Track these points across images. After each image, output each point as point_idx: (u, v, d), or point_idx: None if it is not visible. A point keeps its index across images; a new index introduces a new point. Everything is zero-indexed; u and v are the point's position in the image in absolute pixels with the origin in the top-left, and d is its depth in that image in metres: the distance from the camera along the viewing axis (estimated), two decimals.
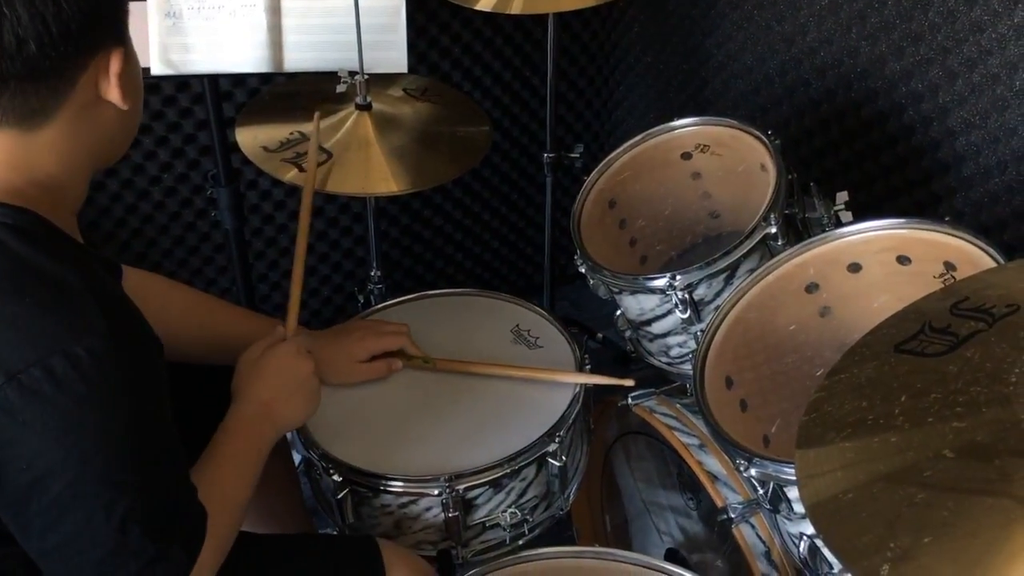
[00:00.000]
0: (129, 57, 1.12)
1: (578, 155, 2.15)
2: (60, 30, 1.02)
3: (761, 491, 1.25)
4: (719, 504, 1.45)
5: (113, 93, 1.10)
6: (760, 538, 1.44)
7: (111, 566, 1.06)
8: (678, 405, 1.62)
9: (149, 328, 1.11)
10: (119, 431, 1.05)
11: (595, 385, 1.60)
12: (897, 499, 0.86)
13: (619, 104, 2.68)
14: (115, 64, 1.09)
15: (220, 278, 2.50)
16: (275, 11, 1.80)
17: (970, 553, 0.79)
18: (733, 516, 1.42)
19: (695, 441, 1.53)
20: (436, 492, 1.45)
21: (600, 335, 2.59)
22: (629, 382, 1.57)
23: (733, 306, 1.42)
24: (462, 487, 1.45)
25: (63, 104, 1.08)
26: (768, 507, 1.26)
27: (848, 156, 1.98)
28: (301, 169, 1.71)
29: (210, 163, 2.30)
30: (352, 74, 1.77)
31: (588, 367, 1.62)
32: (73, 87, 1.07)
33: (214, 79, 1.96)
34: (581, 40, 2.58)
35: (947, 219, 1.33)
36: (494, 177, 2.65)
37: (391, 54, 1.84)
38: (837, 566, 1.27)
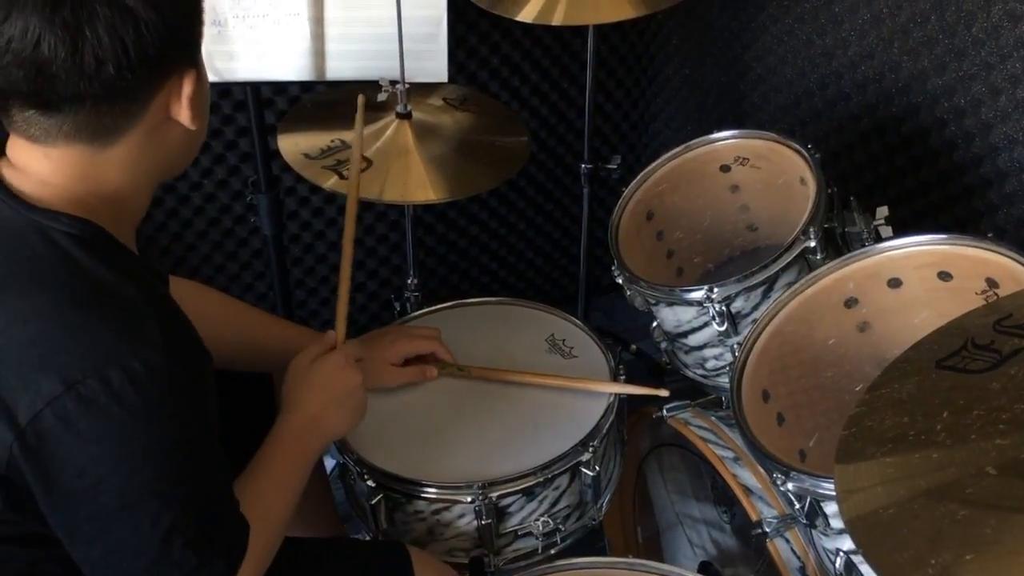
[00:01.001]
0: (201, 79, 1.14)
1: (615, 166, 2.15)
2: (139, 54, 1.04)
3: (798, 505, 1.24)
4: (754, 518, 1.45)
5: (184, 115, 1.12)
6: (795, 553, 1.43)
7: (154, 575, 1.07)
8: (713, 418, 1.62)
9: (201, 342, 1.13)
10: (169, 444, 1.07)
11: (629, 395, 1.60)
12: (939, 515, 0.85)
13: (656, 116, 2.68)
14: (188, 87, 1.11)
15: (257, 283, 2.52)
16: (318, 21, 1.82)
17: (1012, 572, 0.78)
18: (768, 530, 1.41)
19: (730, 454, 1.52)
20: (469, 499, 1.45)
21: (634, 347, 2.59)
22: (664, 392, 1.57)
23: (771, 319, 1.41)
24: (495, 495, 1.46)
25: (135, 124, 1.09)
26: (804, 522, 1.26)
27: (888, 171, 1.97)
28: (342, 176, 1.72)
29: (250, 169, 2.32)
30: (393, 83, 1.79)
31: (622, 377, 1.62)
32: (146, 108, 1.09)
33: (256, 86, 1.98)
34: (619, 52, 2.59)
35: (990, 235, 1.32)
36: (530, 187, 2.65)
37: (432, 64, 1.85)
38: None
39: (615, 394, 1.57)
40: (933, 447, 0.93)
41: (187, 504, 1.08)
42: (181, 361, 1.07)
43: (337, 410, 1.41)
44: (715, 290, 1.51)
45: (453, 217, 2.59)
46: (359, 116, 1.69)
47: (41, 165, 1.09)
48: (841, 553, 1.27)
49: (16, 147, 1.11)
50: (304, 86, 2.24)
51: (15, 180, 1.10)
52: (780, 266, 1.49)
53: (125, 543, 1.06)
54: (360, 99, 1.72)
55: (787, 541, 1.43)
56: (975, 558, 0.80)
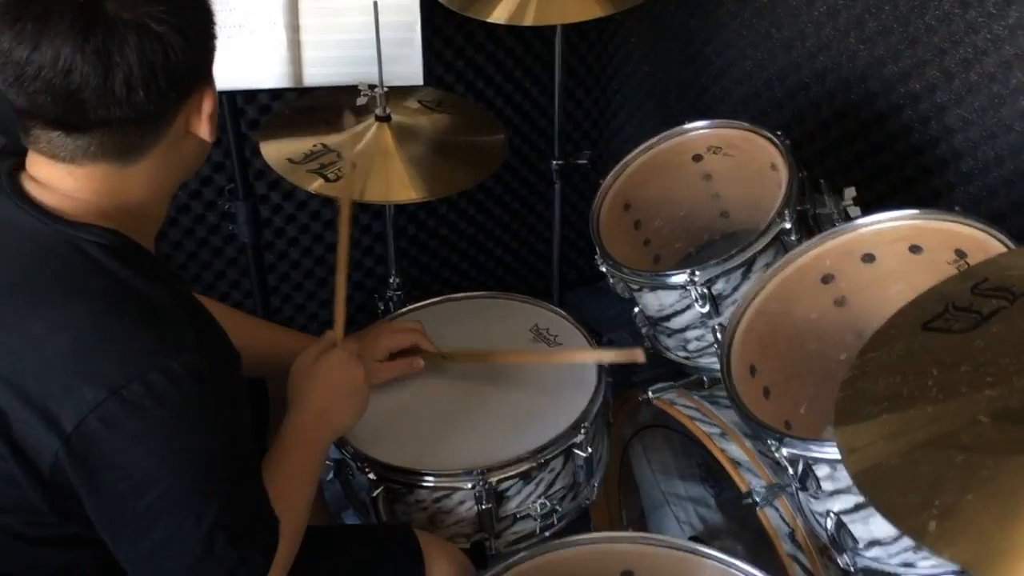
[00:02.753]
0: (215, 94, 1.18)
1: (585, 161, 2.21)
2: (166, 78, 1.07)
3: (791, 471, 1.30)
4: (743, 489, 1.51)
5: (204, 130, 1.17)
6: (784, 520, 1.49)
7: (198, 571, 1.11)
8: (696, 397, 1.68)
9: (229, 341, 1.16)
10: (211, 443, 1.10)
11: (609, 363, 1.64)
12: (938, 462, 0.92)
13: (619, 112, 2.75)
14: (207, 104, 1.16)
15: (233, 292, 2.54)
16: (294, 28, 1.86)
17: (1011, 506, 0.84)
18: (758, 500, 1.47)
19: (716, 430, 1.59)
20: (470, 485, 1.50)
21: (607, 339, 2.66)
22: (640, 356, 1.58)
23: (754, 298, 1.48)
24: (494, 480, 1.50)
25: (160, 141, 1.13)
26: (797, 486, 1.32)
27: (849, 156, 2.05)
28: (327, 179, 1.76)
29: (223, 179, 2.35)
30: (372, 87, 1.83)
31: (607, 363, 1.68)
32: (170, 126, 1.13)
33: (232, 96, 2.00)
34: (579, 52, 2.65)
35: (957, 208, 1.40)
36: (497, 186, 2.71)
37: (407, 67, 1.89)
38: (862, 540, 1.34)
39: (603, 375, 1.62)
40: (927, 402, 0.99)
41: (229, 501, 1.12)
42: (216, 360, 1.10)
43: (343, 404, 1.46)
44: (697, 273, 1.57)
45: (429, 217, 2.64)
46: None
47: (65, 182, 1.12)
48: (831, 514, 1.34)
49: (38, 164, 1.13)
50: (274, 93, 2.28)
51: (40, 195, 1.13)
52: (758, 248, 1.56)
53: (170, 541, 1.09)
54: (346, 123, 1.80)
55: (776, 509, 1.50)
56: (975, 497, 0.87)
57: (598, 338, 2.62)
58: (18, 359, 1.07)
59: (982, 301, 1.09)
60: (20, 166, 1.17)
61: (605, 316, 2.75)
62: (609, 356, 1.63)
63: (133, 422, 1.04)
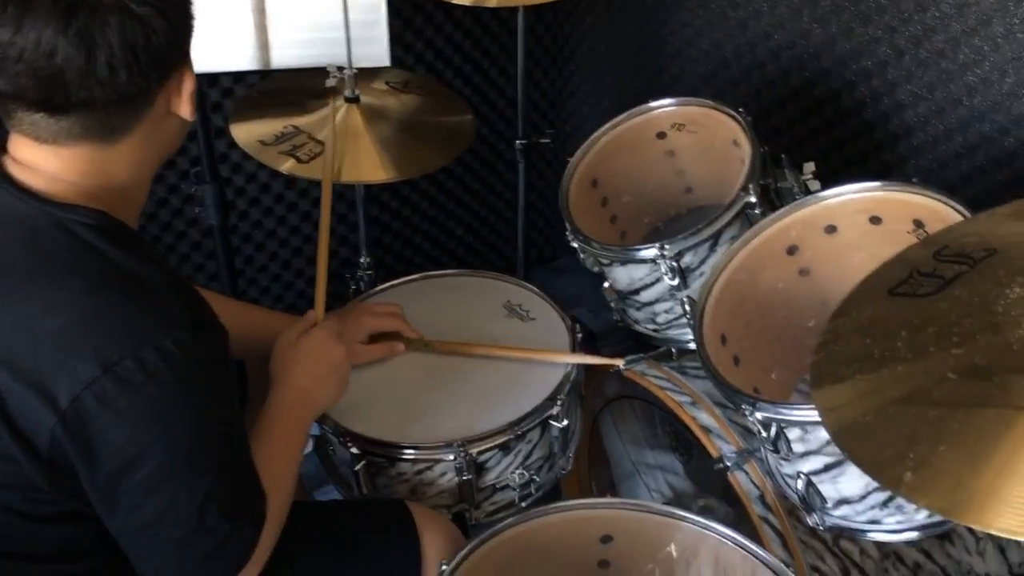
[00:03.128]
0: (193, 73, 1.19)
1: (548, 140, 2.25)
2: (147, 58, 1.09)
3: (764, 434, 1.36)
4: (715, 455, 1.56)
5: (184, 108, 1.18)
6: (754, 483, 1.55)
7: (190, 543, 1.14)
8: (666, 367, 1.73)
9: (217, 318, 1.18)
10: (203, 417, 1.13)
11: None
12: (911, 417, 0.98)
13: (576, 92, 2.79)
14: (187, 84, 1.17)
15: (197, 275, 2.55)
16: (260, 11, 1.87)
17: (980, 455, 0.91)
18: (728, 464, 1.53)
19: (687, 399, 1.64)
20: (451, 457, 1.54)
21: (570, 315, 2.71)
22: (619, 362, 1.69)
23: (723, 269, 1.53)
24: (474, 451, 1.54)
25: (141, 121, 1.15)
26: (769, 448, 1.38)
27: (804, 132, 2.12)
28: (299, 160, 1.78)
29: (185, 162, 2.35)
30: (340, 69, 1.85)
31: (580, 335, 1.72)
32: (151, 106, 1.15)
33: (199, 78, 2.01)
34: (536, 33, 2.69)
35: (915, 180, 1.47)
36: (459, 168, 2.74)
37: (374, 49, 1.91)
38: (831, 500, 1.40)
39: (576, 363, 1.67)
40: (897, 362, 1.05)
41: (220, 474, 1.15)
42: (206, 337, 1.13)
43: (325, 381, 1.49)
44: (666, 247, 1.62)
45: (392, 198, 2.67)
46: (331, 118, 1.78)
47: (50, 164, 1.13)
48: (801, 475, 1.40)
49: (21, 145, 1.14)
50: (236, 76, 2.28)
51: (26, 177, 1.14)
52: (724, 221, 1.61)
53: (164, 513, 1.11)
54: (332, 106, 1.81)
55: (746, 473, 1.56)
56: (947, 448, 0.93)
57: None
58: (12, 338, 1.09)
59: (944, 266, 1.15)
60: (2, 149, 1.18)
61: (565, 294, 2.79)
62: (589, 360, 1.69)
63: (126, 398, 1.07)
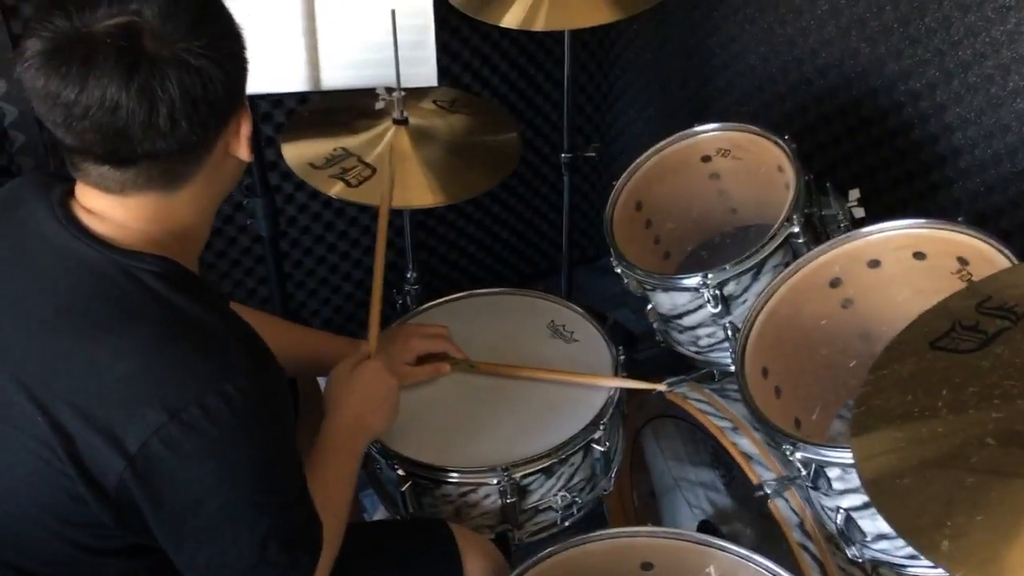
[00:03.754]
0: (249, 115, 1.22)
1: (594, 153, 2.27)
2: (207, 109, 1.12)
3: (804, 472, 1.38)
4: (755, 481, 1.58)
5: (243, 151, 1.22)
6: (793, 511, 1.57)
7: (252, 575, 1.18)
8: (707, 390, 1.75)
9: (274, 358, 1.22)
10: (264, 458, 1.17)
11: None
12: (949, 483, 0.99)
13: (624, 108, 2.79)
14: (245, 126, 1.20)
15: (247, 279, 2.60)
16: (311, 33, 1.89)
17: (1017, 528, 0.92)
18: (769, 492, 1.55)
19: (728, 424, 1.66)
20: (494, 481, 1.56)
21: (611, 318, 2.73)
22: (662, 387, 1.71)
23: (766, 302, 1.55)
24: (518, 475, 1.57)
25: (202, 167, 1.18)
26: (809, 485, 1.40)
27: (849, 150, 2.11)
28: (348, 184, 1.81)
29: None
30: (389, 90, 1.88)
31: (622, 357, 1.74)
32: (211, 152, 1.18)
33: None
34: (587, 46, 2.70)
35: (960, 219, 1.47)
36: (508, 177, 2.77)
37: (422, 69, 1.93)
38: (870, 534, 1.42)
39: (618, 387, 1.69)
40: (937, 421, 1.07)
41: (280, 510, 1.19)
42: (265, 380, 1.17)
43: (377, 410, 1.54)
44: (709, 276, 1.64)
45: (442, 212, 2.70)
46: (387, 159, 1.81)
47: (117, 212, 1.17)
48: (841, 509, 1.42)
49: (89, 195, 1.18)
50: (300, 97, 2.32)
51: (94, 224, 1.18)
52: (768, 251, 1.62)
53: (227, 550, 1.16)
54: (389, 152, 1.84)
55: (786, 500, 1.58)
56: (984, 519, 0.95)
57: (602, 320, 2.72)
58: (82, 384, 1.13)
59: (987, 321, 1.16)
60: (70, 194, 1.22)
61: (610, 293, 2.82)
62: (632, 384, 1.70)
63: (192, 443, 1.11)
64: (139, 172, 1.14)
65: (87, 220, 1.19)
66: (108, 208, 1.18)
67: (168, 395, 1.10)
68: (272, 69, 1.89)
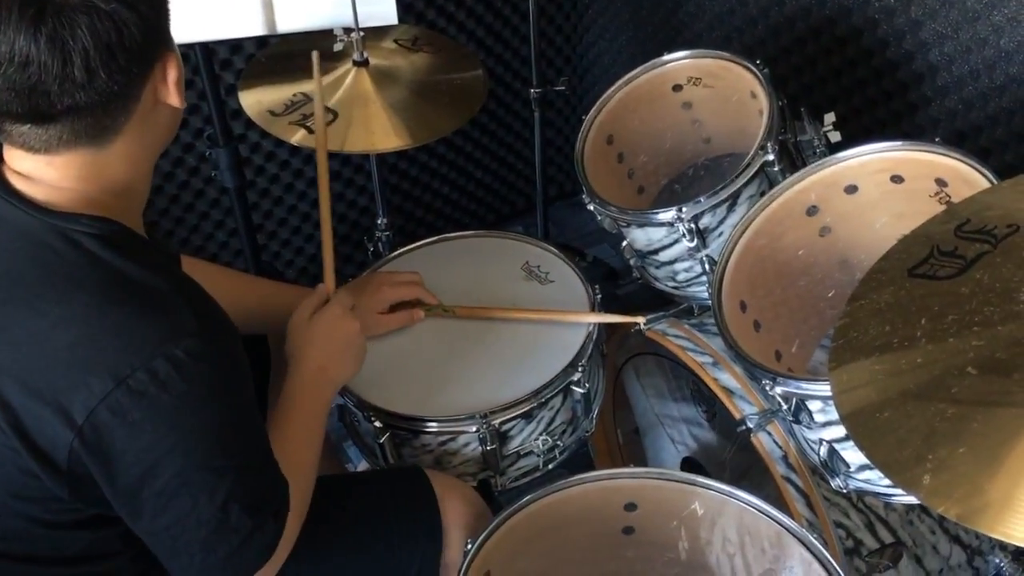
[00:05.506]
0: (177, 57, 1.16)
1: (563, 87, 2.21)
2: (125, 55, 1.06)
3: (785, 406, 1.36)
4: (737, 416, 1.56)
5: (173, 97, 1.16)
6: (777, 443, 1.56)
7: (215, 542, 1.15)
8: (687, 326, 1.73)
9: (227, 316, 1.18)
10: (218, 421, 1.13)
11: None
12: (930, 415, 0.97)
13: (588, 29, 2.72)
14: (172, 71, 1.14)
15: (218, 232, 2.55)
16: None
17: (1001, 459, 0.90)
18: (751, 426, 1.53)
19: (708, 359, 1.63)
20: (473, 429, 1.54)
21: (590, 256, 2.70)
22: (640, 319, 1.68)
23: (742, 234, 1.51)
24: (497, 421, 1.55)
25: (131, 117, 1.12)
26: (791, 418, 1.38)
27: (825, 71, 2.06)
28: (309, 130, 1.76)
29: (199, 120, 2.34)
30: (347, 31, 1.81)
31: (599, 296, 1.71)
32: (138, 101, 1.12)
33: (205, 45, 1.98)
34: None
35: (937, 140, 1.43)
36: (478, 114, 2.71)
37: (380, 7, 1.86)
38: (854, 465, 1.40)
39: (596, 323, 1.66)
40: (916, 351, 1.04)
41: (240, 473, 1.15)
42: (216, 340, 1.13)
43: (341, 358, 1.49)
44: (684, 209, 1.59)
45: (412, 153, 2.64)
46: (316, 74, 1.72)
47: (46, 173, 1.12)
48: (824, 442, 1.40)
49: (16, 157, 1.13)
50: (259, 42, 2.24)
51: (26, 188, 1.13)
52: (742, 182, 1.58)
53: (187, 516, 1.13)
54: (314, 55, 1.75)
55: (769, 434, 1.56)
56: (967, 451, 0.92)
57: (581, 256, 2.68)
58: (24, 355, 1.09)
59: (966, 245, 1.13)
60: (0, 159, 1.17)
61: (588, 229, 2.79)
62: (609, 319, 1.67)
63: (141, 409, 1.07)
64: (63, 128, 1.08)
65: (18, 184, 1.13)
66: (37, 169, 1.12)
67: (113, 361, 1.07)
68: (225, 13, 1.83)
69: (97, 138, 1.11)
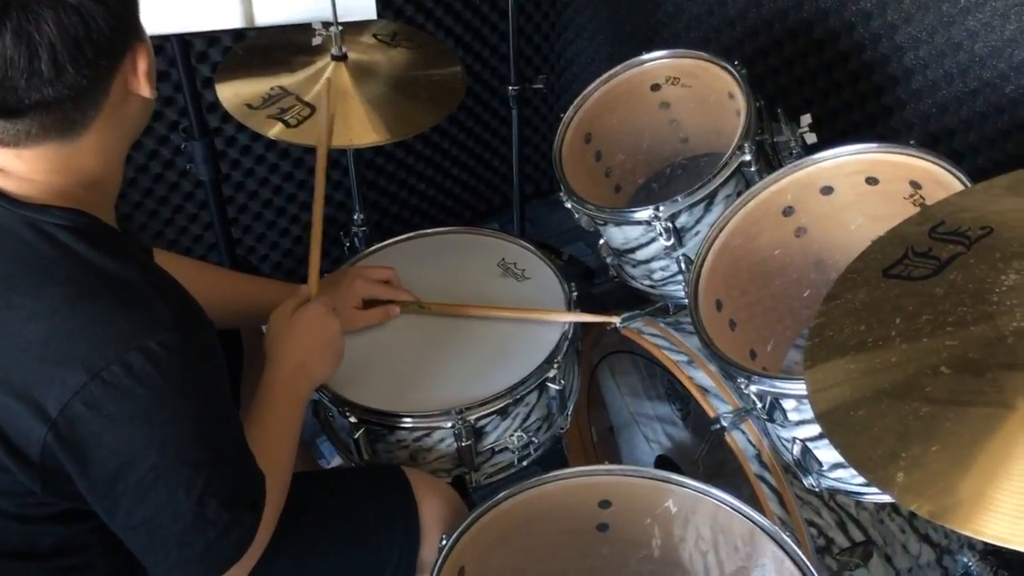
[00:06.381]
0: (148, 48, 1.15)
1: (542, 85, 2.21)
2: (92, 48, 1.05)
3: (759, 404, 1.37)
4: (711, 415, 1.57)
5: (143, 88, 1.14)
6: (751, 442, 1.57)
7: (191, 536, 1.14)
8: (662, 324, 1.73)
9: (202, 310, 1.17)
10: (193, 415, 1.12)
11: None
12: (904, 413, 0.98)
13: (566, 28, 2.73)
14: (141, 62, 1.13)
15: (192, 225, 2.53)
16: None
17: (974, 457, 0.91)
18: (725, 424, 1.54)
19: (684, 358, 1.64)
20: (449, 424, 1.54)
21: (566, 254, 2.70)
22: (615, 319, 1.69)
23: (719, 233, 1.52)
24: (472, 417, 1.55)
25: (100, 110, 1.11)
26: (765, 417, 1.39)
27: (802, 73, 2.07)
28: (287, 124, 1.75)
29: (175, 112, 2.33)
30: (326, 25, 1.81)
31: (575, 294, 1.72)
32: (107, 94, 1.11)
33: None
34: None
35: (912, 142, 1.44)
36: (456, 111, 2.71)
37: (360, 2, 1.86)
38: (826, 463, 1.41)
39: (572, 322, 1.67)
40: (890, 351, 1.05)
41: (216, 467, 1.15)
42: (191, 333, 1.12)
43: (320, 356, 1.49)
44: (661, 208, 1.60)
45: (389, 149, 2.63)
46: (327, 93, 1.74)
47: (16, 166, 1.11)
48: (797, 440, 1.41)
49: None
50: (236, 34, 2.23)
51: None
52: (719, 181, 1.59)
53: (163, 511, 1.12)
54: (328, 84, 1.77)
55: (743, 432, 1.57)
56: (939, 449, 0.93)
57: (557, 254, 2.68)
58: None
59: (940, 247, 1.14)
60: None
61: (565, 227, 2.79)
62: (585, 318, 1.68)
63: (115, 403, 1.06)
64: (31, 123, 1.07)
65: None
66: (7, 162, 1.11)
67: (87, 355, 1.05)
68: (203, 5, 1.81)
69: (67, 132, 1.10)
